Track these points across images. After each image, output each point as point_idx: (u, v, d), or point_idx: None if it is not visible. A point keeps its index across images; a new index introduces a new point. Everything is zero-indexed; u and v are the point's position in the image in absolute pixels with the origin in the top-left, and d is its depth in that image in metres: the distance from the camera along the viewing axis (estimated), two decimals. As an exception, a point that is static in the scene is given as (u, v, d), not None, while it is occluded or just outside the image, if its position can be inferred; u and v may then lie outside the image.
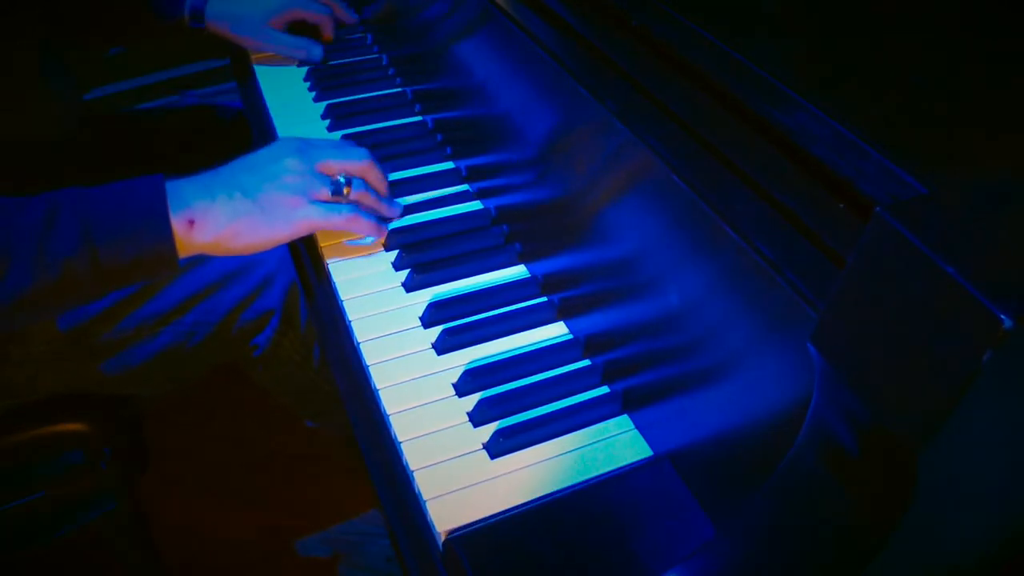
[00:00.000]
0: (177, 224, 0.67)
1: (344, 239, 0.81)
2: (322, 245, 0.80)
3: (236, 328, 0.98)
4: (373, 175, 0.79)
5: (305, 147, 0.75)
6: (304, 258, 0.85)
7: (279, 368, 1.03)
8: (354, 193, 0.76)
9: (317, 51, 1.12)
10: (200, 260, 0.96)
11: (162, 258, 0.66)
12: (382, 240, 0.81)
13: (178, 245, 0.67)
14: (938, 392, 0.31)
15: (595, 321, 0.66)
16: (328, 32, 1.16)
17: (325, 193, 0.73)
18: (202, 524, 1.39)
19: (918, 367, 0.32)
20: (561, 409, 0.63)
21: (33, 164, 0.95)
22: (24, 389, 0.94)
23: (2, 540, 0.99)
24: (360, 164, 0.77)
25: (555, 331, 0.71)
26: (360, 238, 0.81)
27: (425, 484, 0.58)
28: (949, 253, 0.31)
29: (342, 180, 0.75)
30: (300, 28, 1.15)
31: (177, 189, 0.68)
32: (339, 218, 0.74)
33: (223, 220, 0.68)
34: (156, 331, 0.95)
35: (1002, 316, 0.29)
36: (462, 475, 0.58)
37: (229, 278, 0.96)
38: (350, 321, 0.72)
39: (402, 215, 0.83)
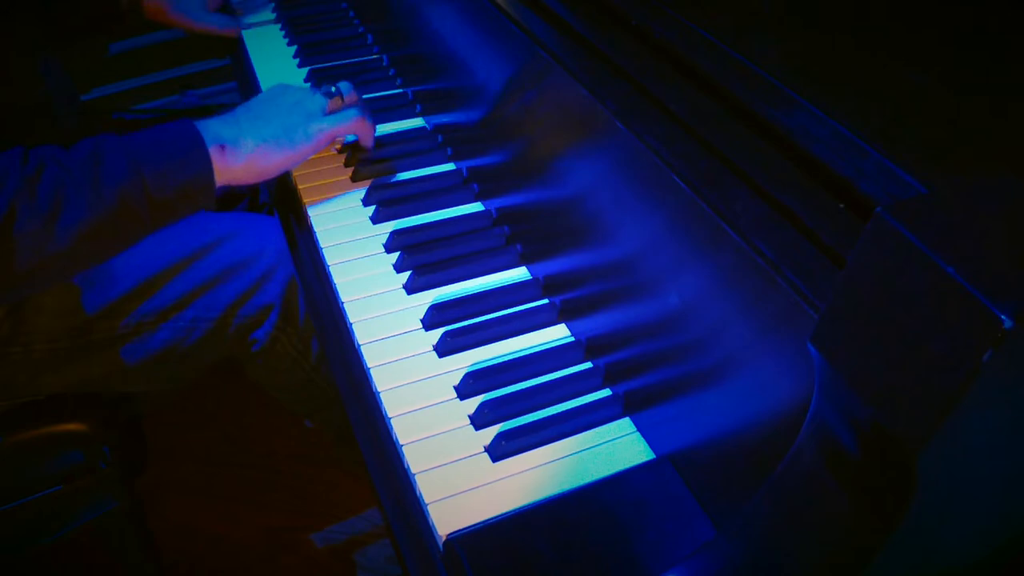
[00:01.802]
0: (212, 151, 0.73)
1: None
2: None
3: (235, 323, 0.98)
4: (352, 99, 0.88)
5: (295, 86, 0.85)
6: (303, 253, 0.85)
7: (277, 363, 1.03)
8: (347, 96, 0.85)
9: (244, 21, 1.21)
10: (199, 256, 0.96)
11: (202, 185, 0.73)
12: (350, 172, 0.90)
13: (215, 171, 0.73)
14: (938, 392, 0.31)
15: (596, 323, 0.66)
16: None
17: (326, 104, 0.83)
18: (202, 524, 1.39)
19: (918, 367, 0.32)
20: (563, 412, 0.63)
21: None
22: (24, 388, 0.94)
23: (3, 540, 0.99)
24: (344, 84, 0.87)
25: (556, 333, 0.71)
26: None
27: (427, 487, 0.58)
28: (949, 253, 0.31)
29: (332, 88, 0.85)
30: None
31: (205, 125, 0.75)
32: (349, 121, 0.83)
33: (251, 144, 0.76)
34: (156, 327, 0.95)
35: (1002, 316, 0.29)
36: (464, 478, 0.58)
37: (228, 273, 0.96)
38: (351, 323, 0.72)
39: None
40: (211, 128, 0.75)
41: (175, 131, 0.73)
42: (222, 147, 0.74)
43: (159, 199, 0.70)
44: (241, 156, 0.75)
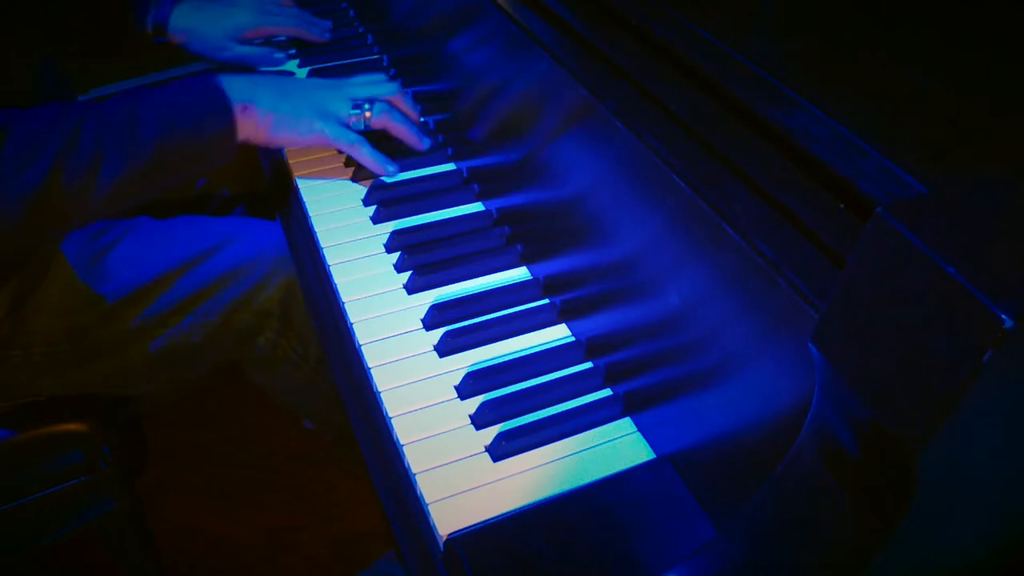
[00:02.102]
0: (235, 109, 0.78)
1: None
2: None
3: (235, 328, 0.98)
4: (402, 104, 0.89)
5: (343, 83, 0.88)
6: (303, 255, 0.85)
7: (278, 366, 1.03)
8: (375, 118, 0.86)
9: (280, 57, 1.13)
10: (199, 260, 0.96)
11: (226, 138, 0.78)
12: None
13: (236, 128, 0.79)
14: (938, 392, 0.31)
15: (597, 323, 0.66)
16: (310, 38, 1.16)
17: (345, 114, 0.84)
18: (202, 524, 1.39)
19: (918, 367, 0.32)
20: (563, 412, 0.63)
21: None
22: (24, 389, 0.94)
23: (3, 540, 0.99)
24: (388, 95, 0.88)
25: (557, 333, 0.71)
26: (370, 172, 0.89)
27: (428, 487, 0.58)
28: (949, 253, 0.31)
29: (365, 105, 0.85)
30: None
31: (232, 82, 0.79)
32: (344, 140, 0.84)
33: (265, 110, 0.80)
34: (156, 332, 0.95)
35: (1002, 316, 0.29)
36: (465, 478, 0.58)
37: (228, 277, 0.96)
38: (351, 323, 0.72)
39: (399, 172, 0.89)
40: (236, 87, 0.79)
41: (204, 87, 0.78)
42: (244, 107, 0.79)
43: (190, 151, 0.76)
44: (253, 120, 0.80)
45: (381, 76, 0.91)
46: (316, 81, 0.88)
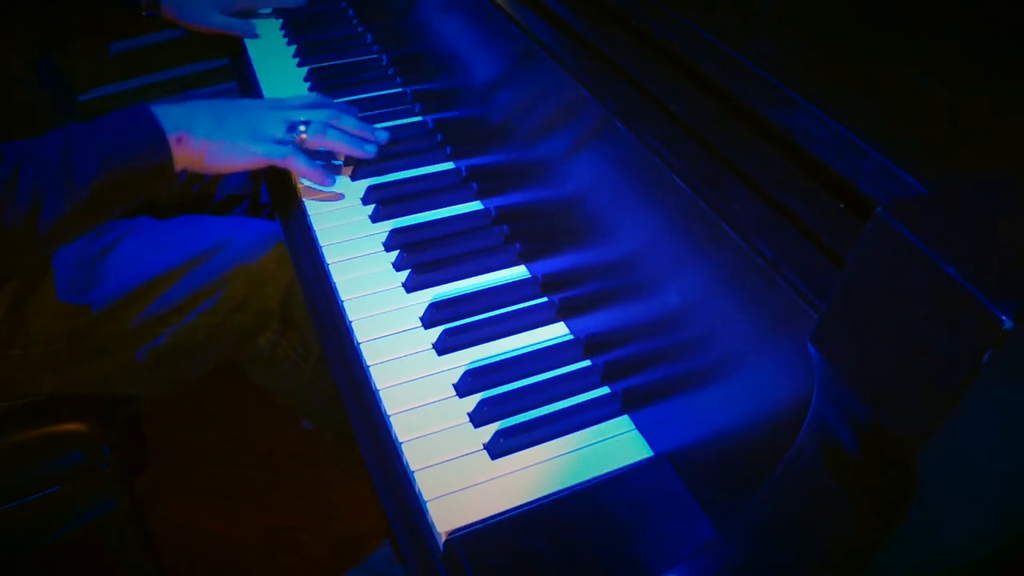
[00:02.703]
0: (171, 140, 0.78)
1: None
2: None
3: (235, 328, 0.98)
4: (342, 122, 0.88)
5: (279, 103, 0.88)
6: (303, 255, 0.85)
7: (278, 367, 1.03)
8: (310, 140, 0.85)
9: (252, 30, 1.22)
10: (200, 260, 0.96)
11: (166, 171, 0.79)
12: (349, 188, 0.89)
13: (174, 159, 0.79)
14: (938, 392, 0.31)
15: (595, 321, 0.66)
16: (291, 4, 1.26)
17: (280, 136, 0.84)
18: (202, 524, 1.39)
19: (918, 367, 0.32)
20: (562, 409, 0.63)
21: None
22: (24, 389, 0.94)
23: (3, 540, 0.99)
24: (325, 118, 0.87)
25: (555, 331, 0.71)
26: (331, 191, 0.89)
27: (426, 485, 0.58)
28: (949, 253, 0.31)
29: (301, 128, 0.85)
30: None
31: (166, 112, 0.79)
32: (277, 156, 0.84)
33: (199, 143, 0.80)
34: (156, 331, 0.95)
35: (1002, 316, 0.29)
36: (463, 476, 0.58)
37: (228, 278, 0.96)
38: (350, 321, 0.72)
39: (375, 153, 0.90)
40: (171, 116, 0.79)
41: (138, 121, 0.78)
42: (179, 139, 0.79)
43: (128, 185, 0.77)
44: (191, 149, 0.80)
45: (320, 98, 0.90)
46: (254, 103, 0.88)
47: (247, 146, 0.82)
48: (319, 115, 0.86)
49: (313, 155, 0.87)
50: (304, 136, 0.85)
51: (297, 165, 0.84)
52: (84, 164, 0.74)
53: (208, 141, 0.80)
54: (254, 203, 1.25)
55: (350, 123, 0.89)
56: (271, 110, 0.86)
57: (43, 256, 0.86)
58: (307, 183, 0.89)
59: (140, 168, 0.77)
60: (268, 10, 1.28)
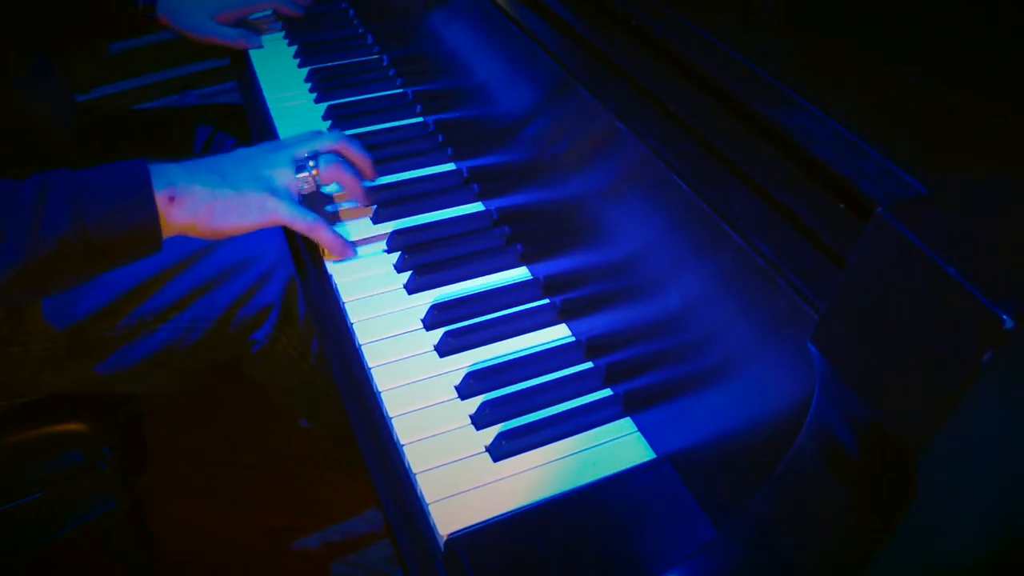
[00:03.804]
0: (160, 200, 0.69)
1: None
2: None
3: (235, 324, 0.98)
4: (349, 153, 0.82)
5: (276, 145, 0.80)
6: (303, 254, 0.85)
7: (277, 364, 1.03)
8: (324, 173, 0.78)
9: (255, 41, 1.21)
10: (199, 256, 0.96)
11: (147, 234, 0.69)
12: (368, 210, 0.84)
13: (161, 222, 0.69)
14: (938, 392, 0.32)
15: (597, 323, 0.66)
16: (289, 13, 1.26)
17: (292, 180, 0.76)
18: (202, 524, 1.39)
19: (918, 367, 0.32)
20: (564, 412, 0.63)
21: (29, 164, 0.95)
22: (24, 389, 0.94)
23: (2, 540, 0.99)
24: (332, 144, 0.80)
25: (557, 333, 0.71)
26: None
27: (428, 487, 0.58)
28: (949, 253, 0.31)
29: (310, 163, 0.77)
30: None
31: (161, 170, 0.71)
32: (303, 222, 0.75)
33: (200, 201, 0.71)
34: (155, 328, 0.95)
35: (1003, 316, 0.29)
36: (465, 478, 0.58)
37: (228, 274, 0.96)
38: (351, 323, 0.72)
39: (380, 192, 0.85)
40: (167, 173, 0.70)
41: (128, 173, 0.69)
42: (171, 199, 0.69)
43: (100, 244, 0.67)
44: (187, 212, 0.70)
45: (317, 130, 0.85)
46: (248, 151, 0.78)
47: (263, 202, 0.73)
48: (323, 141, 0.79)
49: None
50: (316, 171, 0.77)
51: (323, 237, 0.76)
52: (55, 212, 0.65)
53: (212, 199, 0.71)
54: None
55: (359, 151, 0.83)
56: (273, 152, 0.78)
57: None
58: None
59: (117, 226, 0.66)
60: (268, 12, 1.28)
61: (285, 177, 0.76)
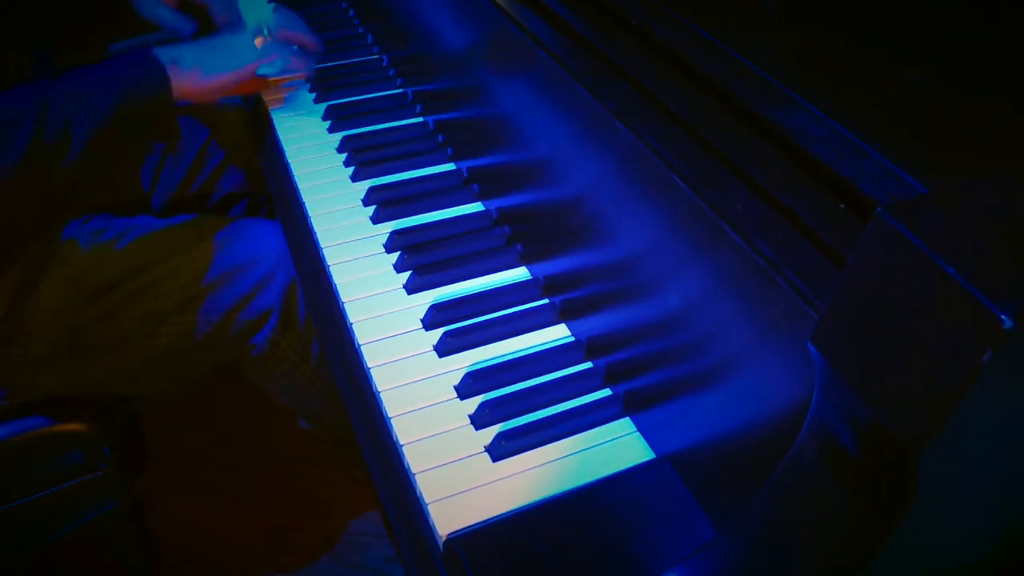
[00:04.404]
0: (166, 68, 0.88)
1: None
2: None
3: (235, 327, 0.98)
4: (289, 36, 1.04)
5: (235, 26, 1.01)
6: (302, 253, 0.85)
7: (277, 367, 1.03)
8: (275, 31, 1.01)
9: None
10: (200, 259, 0.96)
11: (165, 98, 0.88)
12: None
13: (169, 80, 0.88)
14: (938, 392, 0.31)
15: (596, 323, 0.66)
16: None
17: (250, 42, 0.98)
18: (202, 524, 1.39)
19: (918, 367, 0.32)
20: (563, 412, 0.63)
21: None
22: (24, 388, 0.94)
23: (3, 540, 0.99)
24: (274, 17, 1.03)
25: (557, 333, 0.71)
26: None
27: (427, 487, 0.58)
28: (949, 253, 0.31)
29: (264, 29, 1.00)
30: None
31: (158, 50, 0.90)
32: (264, 55, 0.97)
33: (189, 64, 0.90)
34: (155, 330, 0.95)
35: (1002, 316, 0.29)
36: (464, 478, 0.58)
37: (228, 276, 0.96)
38: (351, 323, 0.72)
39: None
40: (161, 53, 0.90)
41: (137, 58, 0.89)
42: (172, 66, 0.89)
43: (138, 115, 0.86)
44: (185, 72, 0.90)
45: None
46: (213, 38, 0.99)
47: (230, 59, 0.94)
48: (263, 12, 1.02)
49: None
50: (268, 31, 1.00)
51: (277, 61, 0.98)
52: (101, 92, 0.83)
53: (198, 63, 0.91)
54: (252, 203, 1.26)
55: (294, 29, 1.05)
56: (235, 35, 0.98)
57: (66, 203, 0.91)
58: (308, 181, 0.89)
59: (147, 95, 0.87)
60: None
61: (246, 42, 0.97)
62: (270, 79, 1.05)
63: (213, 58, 0.93)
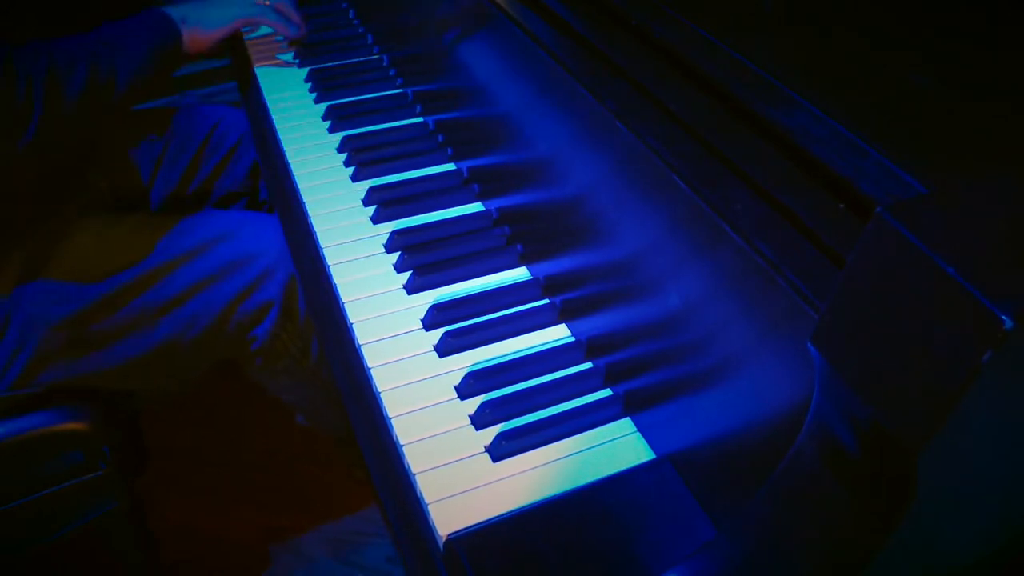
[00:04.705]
0: (176, 21, 1.04)
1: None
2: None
3: (235, 320, 0.98)
4: (281, 7, 1.16)
5: None
6: (302, 252, 0.85)
7: (277, 362, 1.03)
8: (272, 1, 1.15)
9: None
10: (200, 251, 0.96)
11: (177, 46, 1.04)
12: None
13: (178, 30, 1.04)
14: (938, 392, 0.31)
15: (597, 323, 0.66)
16: None
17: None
18: (202, 524, 1.39)
19: (918, 367, 0.32)
20: (563, 412, 0.63)
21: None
22: (23, 382, 0.94)
23: (3, 540, 0.99)
24: None
25: (557, 333, 0.71)
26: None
27: (427, 487, 0.58)
28: (949, 253, 0.31)
29: None
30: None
31: (168, 9, 1.05)
32: (257, 12, 1.12)
33: (192, 19, 1.05)
34: (155, 321, 0.95)
35: (1002, 316, 0.29)
36: (464, 478, 0.58)
37: (228, 269, 0.96)
38: (351, 323, 0.72)
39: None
40: (171, 11, 1.05)
41: (157, 15, 1.04)
42: (182, 20, 1.05)
43: (161, 51, 1.02)
44: (189, 25, 1.05)
45: None
46: None
47: (226, 11, 1.09)
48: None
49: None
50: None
51: (269, 15, 1.12)
52: (133, 39, 0.99)
53: (200, 17, 1.07)
54: (253, 201, 1.26)
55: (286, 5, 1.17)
56: None
57: (126, 106, 1.04)
58: (308, 181, 0.89)
59: (168, 47, 1.03)
60: None
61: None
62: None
63: (212, 7, 1.10)
